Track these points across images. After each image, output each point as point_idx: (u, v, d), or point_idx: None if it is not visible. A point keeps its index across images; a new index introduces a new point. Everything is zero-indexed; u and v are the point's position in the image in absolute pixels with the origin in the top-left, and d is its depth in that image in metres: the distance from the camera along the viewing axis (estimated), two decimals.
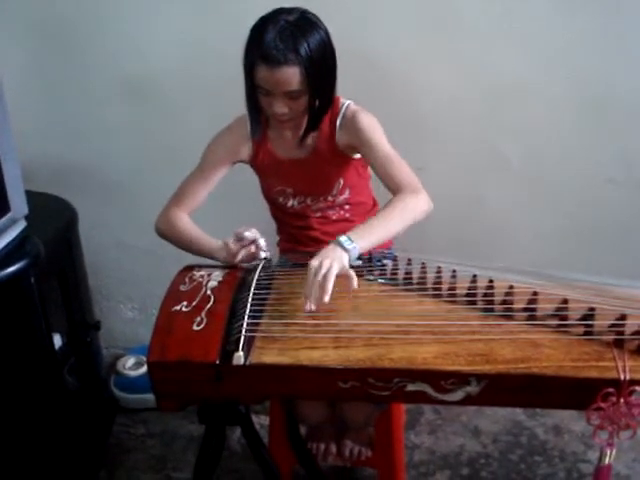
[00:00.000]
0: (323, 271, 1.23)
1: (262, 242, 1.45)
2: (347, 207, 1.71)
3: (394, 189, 1.47)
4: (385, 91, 1.99)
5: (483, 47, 1.95)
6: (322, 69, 1.47)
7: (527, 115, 2.03)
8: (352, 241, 1.30)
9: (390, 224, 1.39)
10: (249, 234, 1.43)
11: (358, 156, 1.63)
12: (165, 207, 1.63)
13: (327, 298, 1.21)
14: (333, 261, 1.25)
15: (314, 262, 1.25)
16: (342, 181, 1.65)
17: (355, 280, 1.27)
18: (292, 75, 1.42)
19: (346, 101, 1.61)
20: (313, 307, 1.23)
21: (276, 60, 1.40)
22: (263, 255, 1.46)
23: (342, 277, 1.26)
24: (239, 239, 1.44)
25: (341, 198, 1.68)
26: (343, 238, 1.30)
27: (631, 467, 1.98)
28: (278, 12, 1.44)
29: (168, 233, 1.60)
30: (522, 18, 1.91)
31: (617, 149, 2.04)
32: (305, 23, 1.44)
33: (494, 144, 2.08)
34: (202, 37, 2.02)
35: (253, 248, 1.45)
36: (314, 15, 1.47)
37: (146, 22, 2.04)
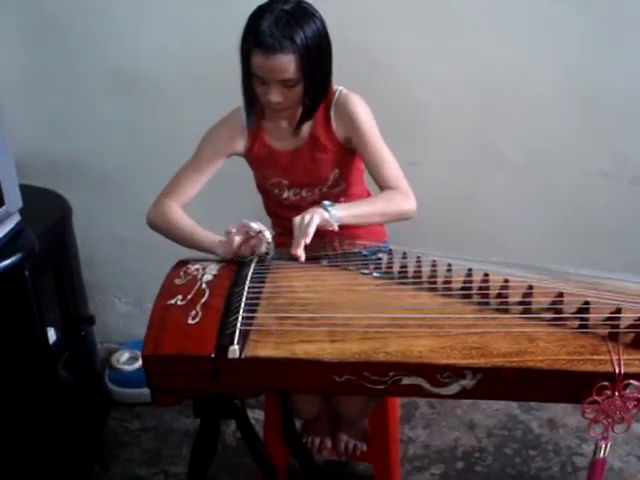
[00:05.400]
0: (305, 222, 1.37)
1: (268, 234, 1.43)
2: (342, 200, 1.70)
3: (384, 189, 1.55)
4: (380, 85, 1.98)
5: (479, 43, 1.96)
6: (317, 58, 1.47)
7: (521, 111, 2.03)
8: (334, 206, 1.43)
9: (374, 205, 1.53)
10: (255, 225, 1.42)
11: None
12: (157, 199, 1.61)
13: (308, 240, 1.36)
14: (314, 214, 1.39)
15: (296, 218, 1.40)
16: (338, 172, 1.64)
17: (335, 226, 1.42)
18: (287, 63, 1.42)
19: (339, 87, 1.62)
20: (299, 252, 1.36)
21: (271, 47, 1.40)
22: (264, 249, 1.44)
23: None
24: (244, 230, 1.42)
25: (336, 190, 1.68)
26: (326, 202, 1.44)
27: (625, 460, 1.99)
28: (275, 1, 1.45)
29: (160, 225, 1.59)
30: (517, 14, 1.91)
31: (610, 144, 2.05)
32: (301, 12, 1.45)
33: (488, 139, 2.09)
34: (194, 30, 2.02)
35: (256, 240, 1.43)
36: (310, 5, 1.48)
37: (138, 16, 2.04)
